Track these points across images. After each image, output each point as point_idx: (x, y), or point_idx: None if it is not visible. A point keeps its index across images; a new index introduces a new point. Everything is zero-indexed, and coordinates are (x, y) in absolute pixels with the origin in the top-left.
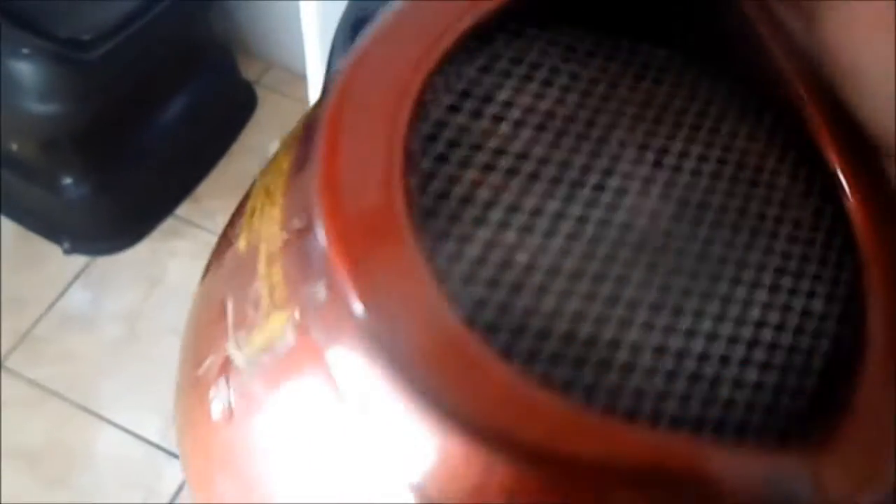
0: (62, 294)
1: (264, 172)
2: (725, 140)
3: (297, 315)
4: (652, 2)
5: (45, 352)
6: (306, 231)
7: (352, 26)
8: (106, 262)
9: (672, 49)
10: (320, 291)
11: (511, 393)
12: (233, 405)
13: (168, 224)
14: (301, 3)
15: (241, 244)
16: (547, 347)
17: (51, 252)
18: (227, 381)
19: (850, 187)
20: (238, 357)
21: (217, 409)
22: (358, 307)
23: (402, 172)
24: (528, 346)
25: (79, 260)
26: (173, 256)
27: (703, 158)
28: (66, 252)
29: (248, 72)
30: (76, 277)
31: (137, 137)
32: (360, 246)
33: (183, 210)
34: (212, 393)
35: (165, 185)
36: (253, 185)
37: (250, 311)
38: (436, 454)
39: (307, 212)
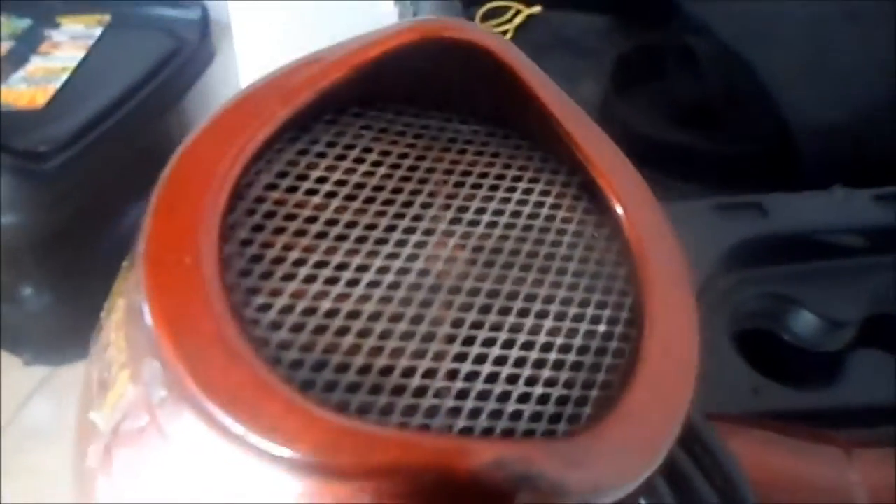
0: (22, 406)
1: (126, 260)
2: (520, 196)
3: (136, 377)
4: (455, 86)
5: (6, 468)
6: (138, 308)
7: None
8: (68, 371)
9: (478, 123)
10: (149, 357)
11: (290, 412)
12: (119, 488)
13: None
14: None
15: (103, 317)
16: (345, 379)
17: (11, 364)
18: (110, 467)
19: (630, 225)
20: (98, 419)
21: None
22: (175, 365)
23: (217, 243)
24: (327, 379)
25: (39, 371)
26: None
27: (498, 213)
28: (28, 363)
29: None
30: (37, 389)
31: (98, 245)
32: (176, 312)
33: None
34: (98, 484)
35: None
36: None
37: (105, 374)
38: (257, 485)
39: (139, 293)
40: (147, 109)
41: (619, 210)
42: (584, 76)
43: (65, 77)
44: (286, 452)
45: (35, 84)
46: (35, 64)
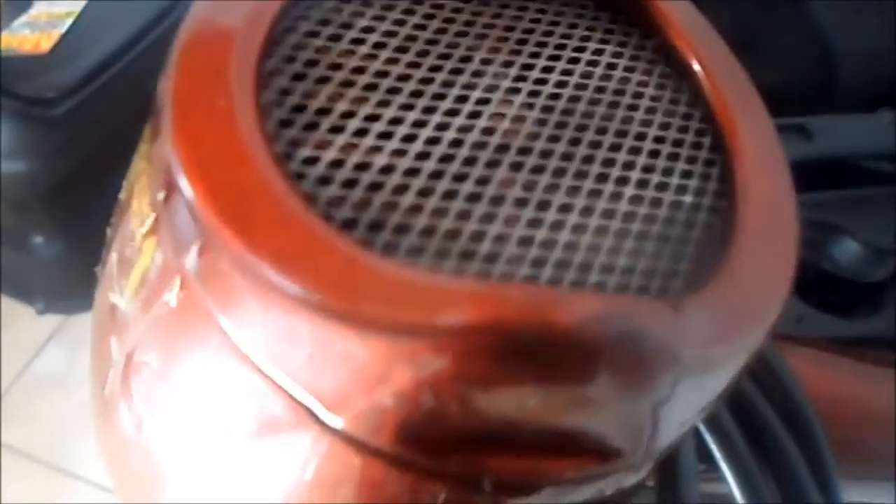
0: (36, 355)
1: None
2: (590, 57)
3: (164, 243)
4: None
5: (19, 414)
6: (166, 161)
7: None
8: (80, 320)
9: None
10: (181, 217)
11: (352, 265)
12: (140, 412)
13: None
14: None
15: (123, 197)
16: (406, 241)
17: (23, 313)
18: (129, 391)
19: (713, 90)
20: (120, 301)
21: (127, 423)
22: (214, 222)
23: (253, 87)
24: (386, 240)
25: (52, 319)
26: None
27: (566, 73)
28: (40, 312)
29: None
30: (50, 337)
31: (107, 192)
32: (211, 162)
33: None
34: (121, 411)
35: None
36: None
37: (128, 251)
38: (322, 353)
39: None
40: (153, 54)
41: (701, 74)
42: None
43: (69, 22)
44: (353, 308)
45: (39, 29)
46: (38, 9)
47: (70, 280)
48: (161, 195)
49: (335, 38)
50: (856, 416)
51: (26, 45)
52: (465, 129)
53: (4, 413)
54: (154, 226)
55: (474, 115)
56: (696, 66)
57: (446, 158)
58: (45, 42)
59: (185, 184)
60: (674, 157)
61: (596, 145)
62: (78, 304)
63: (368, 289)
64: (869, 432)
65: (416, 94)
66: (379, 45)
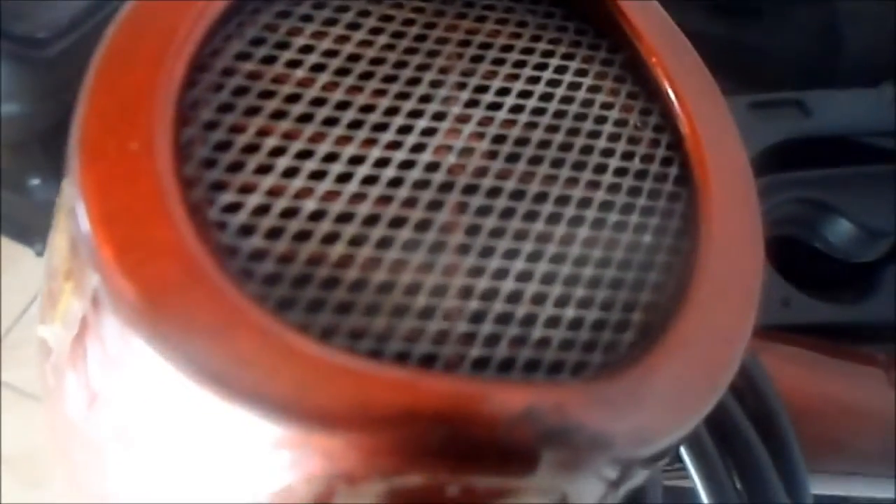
0: (36, 297)
1: None
2: (552, 75)
3: (79, 291)
4: None
5: (20, 355)
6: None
7: None
8: None
9: None
10: (90, 269)
11: (263, 343)
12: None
13: None
14: None
15: (55, 213)
16: (334, 296)
17: (23, 255)
18: (64, 392)
19: (683, 114)
20: (48, 335)
21: (73, 405)
22: (116, 280)
23: (172, 125)
24: (312, 296)
25: None
26: None
27: (524, 95)
28: (39, 254)
29: None
30: None
31: None
32: (117, 212)
33: None
34: (58, 410)
35: None
36: None
37: (53, 283)
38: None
39: (73, 188)
40: None
41: (671, 95)
42: None
43: None
44: (257, 393)
45: None
46: None
47: None
48: (75, 239)
49: (269, 59)
50: (838, 415)
51: None
52: (406, 166)
53: (5, 353)
54: (71, 270)
55: (418, 148)
56: (667, 86)
57: (383, 200)
58: None
59: (89, 238)
60: (635, 191)
61: (550, 180)
62: None
63: (276, 372)
64: (852, 431)
65: (356, 124)
66: (318, 67)
